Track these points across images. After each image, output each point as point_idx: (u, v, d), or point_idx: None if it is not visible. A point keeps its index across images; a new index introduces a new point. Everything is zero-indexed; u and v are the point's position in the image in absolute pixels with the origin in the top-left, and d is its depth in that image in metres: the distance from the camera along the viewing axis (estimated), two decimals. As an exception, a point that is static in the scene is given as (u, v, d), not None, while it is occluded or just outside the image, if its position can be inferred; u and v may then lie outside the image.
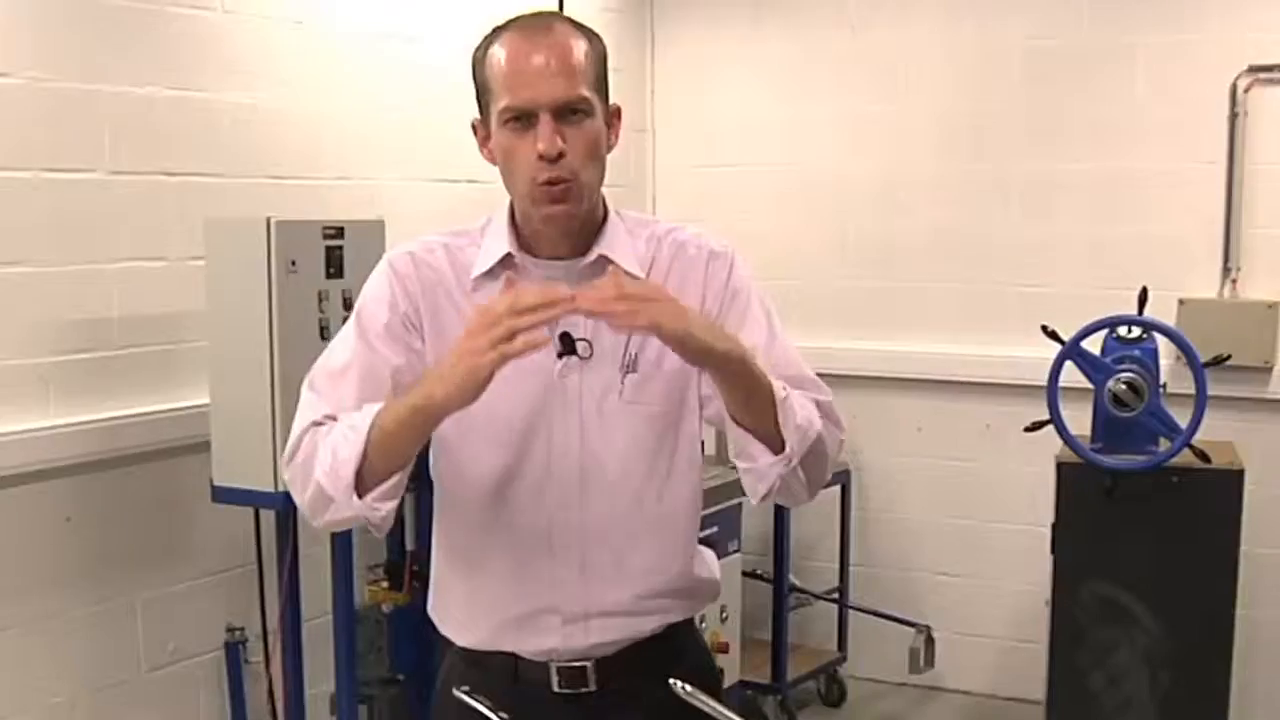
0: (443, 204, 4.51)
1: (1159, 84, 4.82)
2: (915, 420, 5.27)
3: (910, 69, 5.20)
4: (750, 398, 1.92)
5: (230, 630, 3.93)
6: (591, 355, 2.03)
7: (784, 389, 1.95)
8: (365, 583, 3.99)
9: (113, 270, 3.60)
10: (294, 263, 3.41)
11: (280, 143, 4.03)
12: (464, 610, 2.11)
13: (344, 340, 2.05)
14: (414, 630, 3.92)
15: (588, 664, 2.08)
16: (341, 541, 3.68)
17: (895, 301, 5.27)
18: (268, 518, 3.71)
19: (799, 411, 1.95)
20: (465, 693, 2.01)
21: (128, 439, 3.61)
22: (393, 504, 1.93)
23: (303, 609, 3.70)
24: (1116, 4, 4.87)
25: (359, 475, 1.89)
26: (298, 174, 4.08)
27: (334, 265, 3.50)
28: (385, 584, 3.96)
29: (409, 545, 3.95)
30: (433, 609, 2.19)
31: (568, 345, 2.03)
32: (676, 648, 2.15)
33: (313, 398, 2.02)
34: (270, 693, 3.84)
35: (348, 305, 3.52)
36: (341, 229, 3.54)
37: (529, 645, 2.08)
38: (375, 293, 2.06)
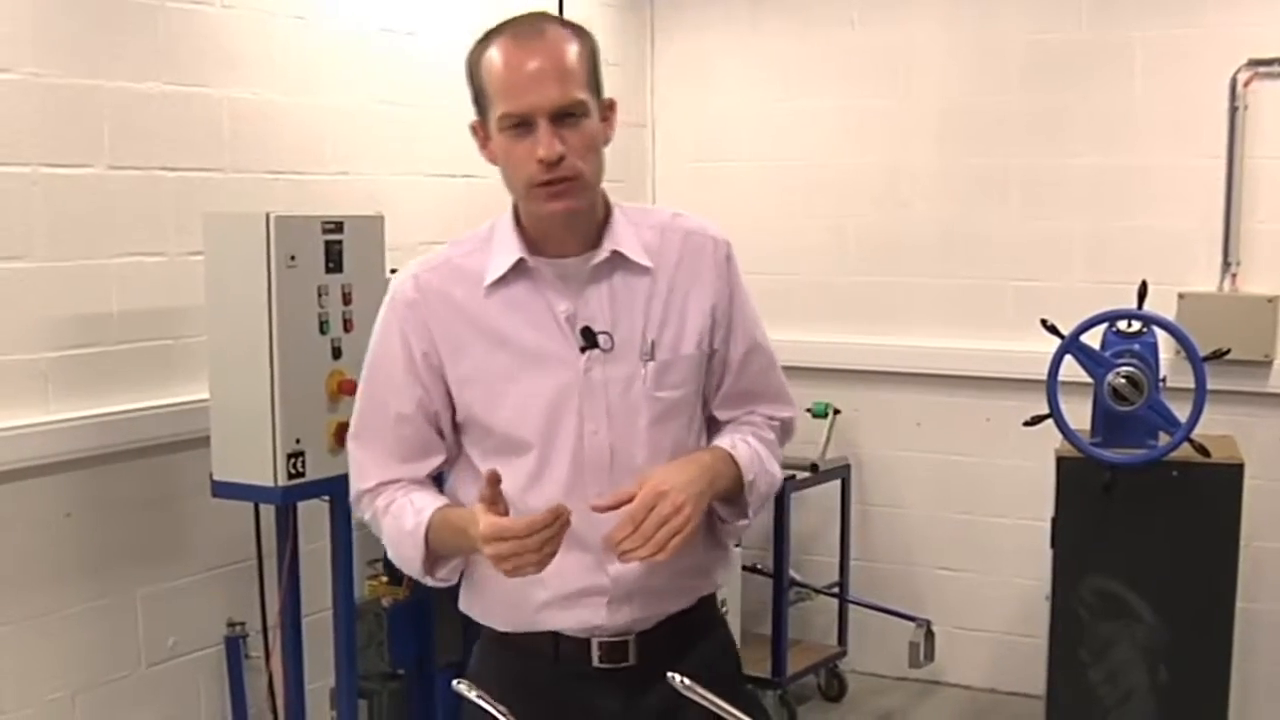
0: (442, 199, 4.51)
1: (1159, 79, 4.82)
2: (915, 415, 5.27)
3: (910, 64, 5.20)
4: (727, 491, 2.15)
5: (230, 625, 3.93)
6: (613, 347, 2.10)
7: (751, 472, 2.15)
8: (365, 578, 3.99)
9: (112, 265, 3.60)
10: (293, 258, 3.40)
11: (279, 138, 4.03)
12: (506, 595, 2.16)
13: (370, 392, 2.21)
14: (414, 625, 3.92)
15: (629, 638, 2.15)
16: (341, 537, 3.68)
17: (895, 296, 5.27)
18: (267, 513, 3.71)
19: (762, 482, 2.19)
20: (467, 686, 2.02)
21: (127, 434, 3.61)
22: (459, 570, 2.18)
23: (303, 604, 3.70)
24: (1116, -2, 4.88)
25: (426, 562, 2.13)
26: (297, 169, 4.08)
27: (333, 260, 3.50)
28: (385, 579, 3.96)
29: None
30: (466, 601, 2.25)
31: (589, 339, 2.09)
32: (705, 620, 2.26)
33: (359, 457, 2.22)
34: (270, 688, 3.84)
35: (347, 300, 3.53)
36: (341, 224, 3.53)
37: (573, 622, 2.15)
38: (385, 337, 2.17)
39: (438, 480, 2.23)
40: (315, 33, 4.14)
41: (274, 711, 3.83)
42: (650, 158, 5.62)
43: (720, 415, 2.26)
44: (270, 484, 3.41)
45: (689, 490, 2.01)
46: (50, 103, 3.43)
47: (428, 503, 2.13)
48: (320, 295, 3.48)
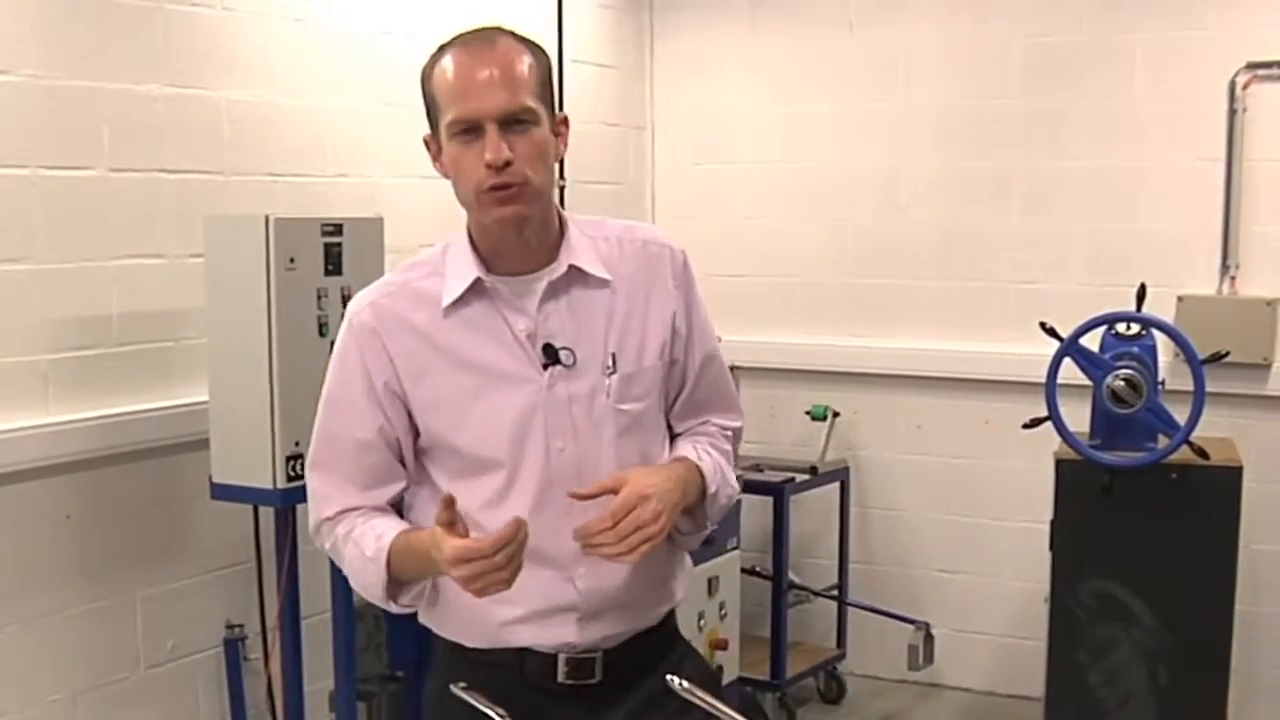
0: (441, 201, 4.48)
1: (1158, 81, 4.82)
2: (914, 417, 5.28)
3: (909, 66, 5.20)
4: (690, 504, 2.15)
5: (229, 627, 3.93)
6: (575, 363, 2.08)
7: (714, 484, 2.16)
8: (364, 580, 3.99)
9: (112, 267, 3.60)
10: (293, 260, 3.41)
11: (279, 140, 4.03)
12: (473, 612, 2.12)
13: (330, 420, 2.16)
14: (413, 627, 3.91)
15: (596, 655, 2.14)
16: (340, 538, 3.68)
17: (894, 298, 5.27)
18: (267, 515, 3.71)
19: (723, 494, 2.20)
20: (463, 689, 2.02)
21: (127, 436, 3.61)
22: (422, 596, 2.18)
23: (302, 606, 3.70)
24: (1115, 1, 4.87)
25: (389, 588, 2.11)
26: (296, 171, 4.08)
27: (333, 262, 3.50)
28: (384, 581, 3.96)
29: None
30: (429, 616, 2.23)
31: (551, 356, 2.08)
32: (669, 636, 2.25)
33: (319, 486, 2.18)
34: (269, 690, 3.84)
35: (346, 302, 3.52)
36: (340, 226, 3.54)
37: (544, 639, 2.12)
38: (344, 364, 2.14)
39: (397, 506, 2.21)
40: (315, 35, 4.14)
41: (273, 714, 3.83)
42: (650, 160, 5.61)
43: (675, 426, 2.25)
44: (269, 486, 3.41)
45: (667, 500, 2.02)
46: (50, 105, 3.44)
47: (389, 528, 2.11)
48: (319, 297, 3.48)
